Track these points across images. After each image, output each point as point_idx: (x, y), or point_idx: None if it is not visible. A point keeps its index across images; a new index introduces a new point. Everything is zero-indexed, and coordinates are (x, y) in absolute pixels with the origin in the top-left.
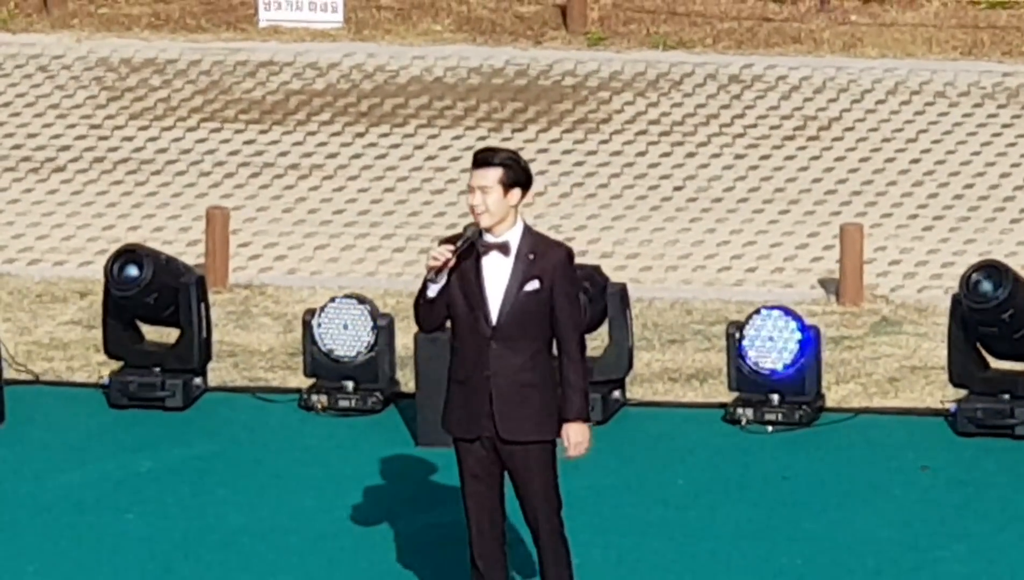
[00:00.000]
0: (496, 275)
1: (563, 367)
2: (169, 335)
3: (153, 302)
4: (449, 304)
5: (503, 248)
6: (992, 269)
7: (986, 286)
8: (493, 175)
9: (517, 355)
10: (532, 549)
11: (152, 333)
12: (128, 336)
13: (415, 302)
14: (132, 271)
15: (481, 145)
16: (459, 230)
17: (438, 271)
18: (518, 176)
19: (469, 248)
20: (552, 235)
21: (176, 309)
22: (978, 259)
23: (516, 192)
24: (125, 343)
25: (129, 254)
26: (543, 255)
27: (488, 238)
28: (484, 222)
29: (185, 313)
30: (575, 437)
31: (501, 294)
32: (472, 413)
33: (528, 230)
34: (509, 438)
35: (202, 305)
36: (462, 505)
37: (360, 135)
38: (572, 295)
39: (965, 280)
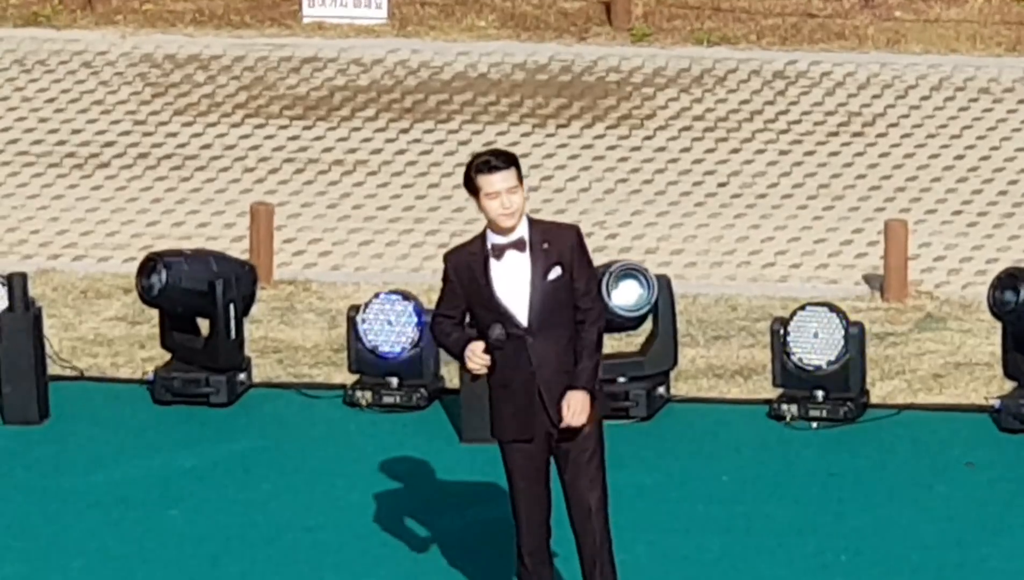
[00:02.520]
0: (515, 273)
1: (578, 340)
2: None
3: (182, 310)
4: (472, 317)
5: (518, 245)
6: (1012, 277)
7: (1008, 295)
8: (514, 175)
9: (555, 344)
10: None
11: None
12: (179, 331)
13: (446, 348)
14: (152, 280)
15: (519, 144)
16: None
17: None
18: (521, 169)
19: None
20: (596, 231)
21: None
22: (1022, 254)
23: (524, 186)
24: (176, 337)
25: (151, 263)
26: (556, 241)
27: (499, 240)
28: (512, 222)
29: (211, 313)
30: (575, 405)
31: (527, 290)
32: (525, 413)
33: (533, 221)
34: (564, 424)
35: (231, 305)
36: (510, 505)
37: (404, 131)
38: (589, 271)
39: (992, 289)
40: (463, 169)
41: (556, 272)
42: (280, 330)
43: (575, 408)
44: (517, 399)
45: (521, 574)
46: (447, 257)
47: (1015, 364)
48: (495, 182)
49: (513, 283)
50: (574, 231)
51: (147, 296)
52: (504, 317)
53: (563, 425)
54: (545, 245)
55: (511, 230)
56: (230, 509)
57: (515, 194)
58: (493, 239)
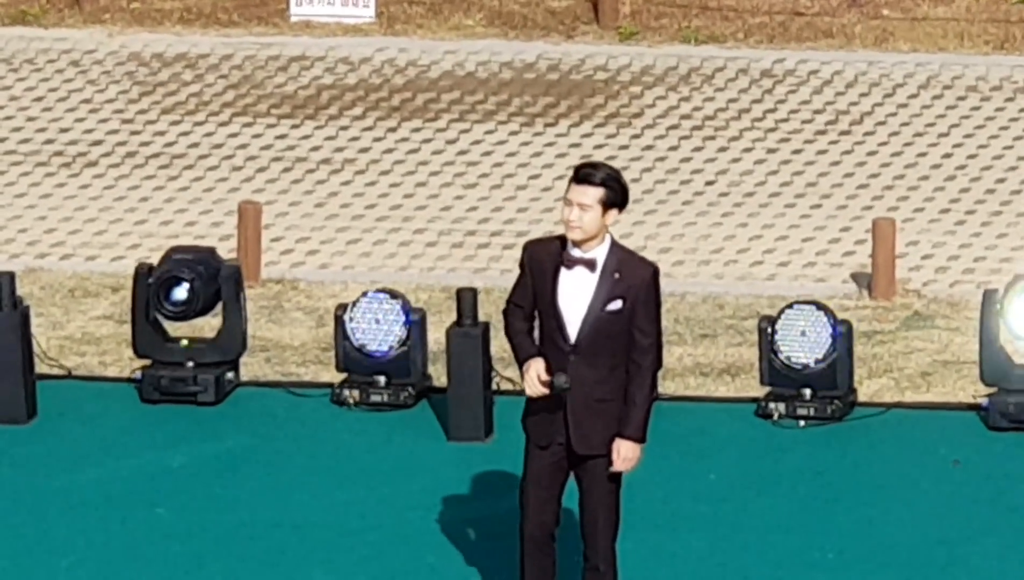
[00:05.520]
0: (579, 291)
1: (630, 383)
2: (200, 330)
3: (199, 312)
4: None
5: (589, 264)
6: None
7: None
8: (595, 194)
9: (594, 370)
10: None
11: (182, 328)
12: (156, 334)
13: (510, 342)
14: (179, 295)
15: (514, 144)
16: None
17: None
18: (617, 197)
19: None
20: None
21: (214, 304)
22: (1010, 252)
23: (613, 213)
24: (154, 341)
25: (168, 281)
26: (629, 274)
27: (575, 253)
28: (575, 236)
29: (231, 305)
30: (626, 452)
31: (583, 311)
32: (548, 420)
33: (615, 247)
34: (581, 451)
35: (242, 295)
36: (519, 504)
37: (392, 130)
38: (653, 314)
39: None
40: (449, 167)
41: (616, 305)
42: (268, 329)
43: (625, 455)
44: (545, 406)
45: (521, 570)
46: (526, 246)
47: (997, 366)
48: (574, 190)
49: (574, 299)
50: (651, 270)
51: (176, 311)
52: (557, 327)
53: (612, 470)
54: (616, 274)
55: (583, 245)
56: (218, 507)
57: (585, 212)
58: (570, 248)
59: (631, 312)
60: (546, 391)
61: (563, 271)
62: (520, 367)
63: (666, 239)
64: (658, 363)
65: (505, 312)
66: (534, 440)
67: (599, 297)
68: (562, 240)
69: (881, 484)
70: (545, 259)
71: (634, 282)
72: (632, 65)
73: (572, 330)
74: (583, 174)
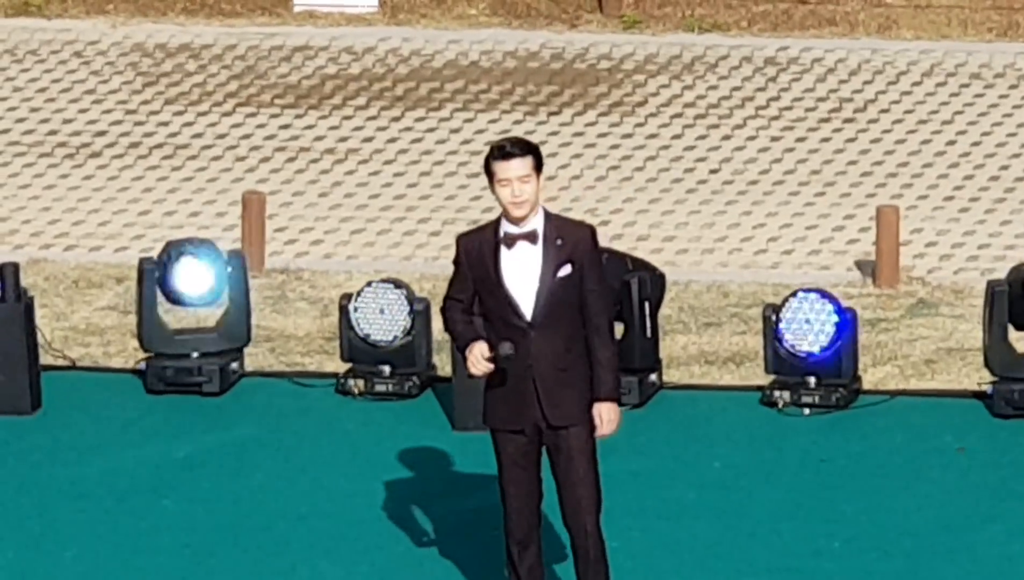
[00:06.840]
0: (525, 266)
1: (594, 347)
2: (204, 320)
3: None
4: (480, 302)
5: (530, 237)
6: None
7: None
8: (528, 162)
9: (556, 341)
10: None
11: (188, 320)
12: (162, 325)
13: (451, 336)
14: (201, 282)
15: (512, 133)
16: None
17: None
18: (542, 158)
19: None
20: (588, 219)
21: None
22: (1014, 240)
23: (542, 176)
24: (162, 334)
25: (190, 268)
26: (570, 238)
27: (512, 230)
28: (522, 211)
29: (235, 294)
30: (607, 415)
31: (535, 284)
32: (517, 404)
33: (549, 214)
34: (556, 422)
35: (246, 285)
36: (499, 495)
37: (396, 119)
38: (600, 274)
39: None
40: (452, 156)
41: (566, 270)
42: (272, 319)
43: (607, 418)
44: (511, 390)
45: (509, 566)
46: (459, 239)
47: (1002, 355)
48: (508, 169)
49: (522, 275)
50: (589, 230)
51: (197, 299)
52: (509, 307)
53: (598, 435)
54: (559, 241)
55: (523, 220)
56: (223, 498)
57: (527, 184)
58: (506, 228)
59: (580, 276)
60: (491, 367)
61: (504, 251)
62: (463, 354)
63: (670, 227)
64: (612, 325)
65: (443, 308)
66: (503, 426)
67: (548, 266)
68: (494, 225)
69: (886, 472)
70: (482, 244)
71: (577, 245)
72: (636, 54)
73: (526, 306)
74: (507, 151)
